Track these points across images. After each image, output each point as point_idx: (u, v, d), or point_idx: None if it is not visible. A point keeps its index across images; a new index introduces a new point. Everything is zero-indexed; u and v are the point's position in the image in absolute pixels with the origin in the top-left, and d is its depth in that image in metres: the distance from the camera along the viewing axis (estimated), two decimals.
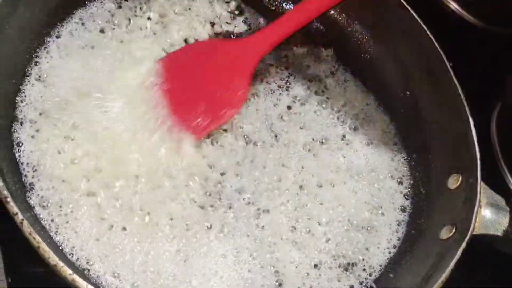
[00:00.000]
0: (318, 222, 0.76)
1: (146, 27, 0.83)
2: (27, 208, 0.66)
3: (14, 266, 0.73)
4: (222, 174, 0.76)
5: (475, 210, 0.70)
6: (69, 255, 0.66)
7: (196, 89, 0.78)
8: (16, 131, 0.71)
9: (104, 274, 0.66)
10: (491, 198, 0.73)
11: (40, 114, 0.72)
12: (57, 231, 0.67)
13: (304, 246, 0.74)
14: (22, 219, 0.57)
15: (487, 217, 0.71)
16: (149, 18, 0.84)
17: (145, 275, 0.67)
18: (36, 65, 0.76)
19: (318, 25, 0.93)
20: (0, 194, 0.58)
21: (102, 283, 0.65)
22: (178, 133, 0.75)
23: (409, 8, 0.82)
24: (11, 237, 0.70)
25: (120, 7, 0.84)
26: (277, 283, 0.71)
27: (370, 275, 0.75)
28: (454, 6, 1.00)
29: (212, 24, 0.87)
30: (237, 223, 0.73)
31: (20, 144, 0.70)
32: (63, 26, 0.80)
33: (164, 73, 0.77)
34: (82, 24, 0.81)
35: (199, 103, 0.77)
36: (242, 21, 0.89)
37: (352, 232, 0.76)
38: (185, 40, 0.84)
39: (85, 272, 0.65)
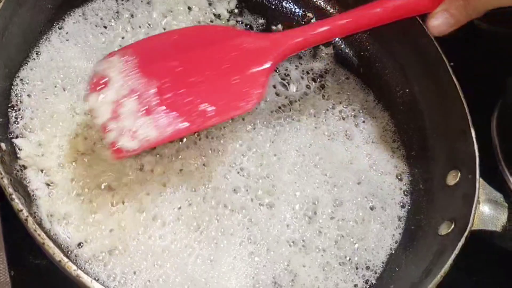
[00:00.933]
0: (322, 219, 0.77)
1: (148, 25, 0.84)
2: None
3: (17, 259, 0.73)
4: (223, 165, 0.77)
5: (474, 206, 0.70)
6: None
7: (199, 76, 0.68)
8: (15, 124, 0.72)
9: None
10: (490, 194, 0.73)
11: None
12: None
13: (310, 246, 0.74)
14: (27, 216, 0.57)
15: (486, 213, 0.72)
16: (150, 16, 0.85)
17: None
18: (37, 54, 0.76)
19: None
20: (5, 191, 0.58)
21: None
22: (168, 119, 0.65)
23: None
24: (14, 230, 0.71)
25: (122, 4, 0.84)
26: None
27: (375, 272, 0.75)
28: None
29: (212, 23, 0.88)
30: (241, 218, 0.74)
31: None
32: (65, 20, 0.80)
33: (163, 51, 0.69)
34: (85, 19, 0.81)
35: (200, 93, 0.67)
36: (241, 21, 0.90)
37: (355, 228, 0.77)
38: None
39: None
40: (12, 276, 0.73)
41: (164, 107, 0.64)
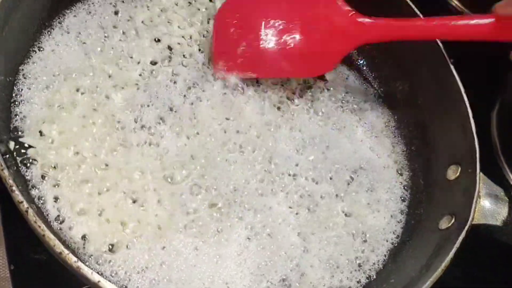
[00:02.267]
0: (324, 213, 0.77)
1: (150, 20, 0.84)
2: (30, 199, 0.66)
3: (17, 253, 0.73)
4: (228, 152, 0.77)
5: (474, 199, 0.70)
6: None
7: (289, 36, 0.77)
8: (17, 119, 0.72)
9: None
10: (490, 188, 0.73)
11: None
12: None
13: (314, 242, 0.74)
14: (27, 208, 0.57)
15: (486, 207, 0.72)
16: (150, 9, 0.85)
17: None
18: (39, 49, 0.76)
19: None
20: (5, 183, 0.58)
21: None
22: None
23: (410, 3, 0.83)
24: (14, 225, 0.71)
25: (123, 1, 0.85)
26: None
27: (376, 266, 0.75)
28: (455, 2, 1.01)
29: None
30: (244, 209, 0.74)
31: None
32: (65, 15, 0.80)
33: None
34: (86, 12, 0.81)
35: (285, 50, 0.76)
36: None
37: (356, 223, 0.77)
38: (191, 36, 0.85)
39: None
40: (12, 270, 0.73)
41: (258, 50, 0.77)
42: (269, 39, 0.77)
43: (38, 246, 0.70)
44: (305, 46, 0.77)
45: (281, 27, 0.77)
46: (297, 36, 0.77)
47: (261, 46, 0.77)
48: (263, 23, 0.78)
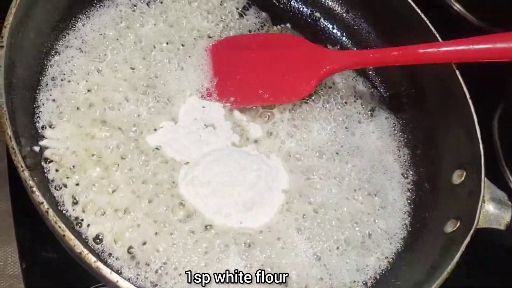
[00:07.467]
0: (329, 216, 0.77)
1: (159, 22, 0.85)
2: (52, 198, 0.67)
3: (29, 252, 0.74)
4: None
5: (479, 204, 0.71)
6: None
7: (267, 67, 0.84)
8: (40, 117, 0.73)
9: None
10: (494, 193, 0.74)
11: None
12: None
13: (318, 244, 0.75)
14: (48, 209, 0.57)
15: (491, 211, 0.72)
16: (163, 15, 0.86)
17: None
18: (56, 54, 0.77)
19: (325, 22, 0.96)
20: (25, 184, 0.58)
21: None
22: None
23: (415, 7, 0.84)
24: (25, 223, 0.73)
25: (135, 6, 0.86)
26: None
27: (381, 270, 0.76)
28: (458, 7, 1.02)
29: (222, 19, 0.90)
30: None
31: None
32: (80, 18, 0.82)
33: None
34: (100, 16, 0.83)
35: (263, 80, 0.83)
36: (249, 19, 0.92)
37: (361, 226, 0.78)
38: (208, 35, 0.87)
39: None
40: (24, 268, 0.74)
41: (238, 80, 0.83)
42: (247, 71, 0.84)
43: (49, 244, 0.71)
44: (280, 75, 0.84)
45: (258, 61, 0.85)
46: (273, 68, 0.84)
47: (238, 77, 0.83)
48: (243, 58, 0.85)
